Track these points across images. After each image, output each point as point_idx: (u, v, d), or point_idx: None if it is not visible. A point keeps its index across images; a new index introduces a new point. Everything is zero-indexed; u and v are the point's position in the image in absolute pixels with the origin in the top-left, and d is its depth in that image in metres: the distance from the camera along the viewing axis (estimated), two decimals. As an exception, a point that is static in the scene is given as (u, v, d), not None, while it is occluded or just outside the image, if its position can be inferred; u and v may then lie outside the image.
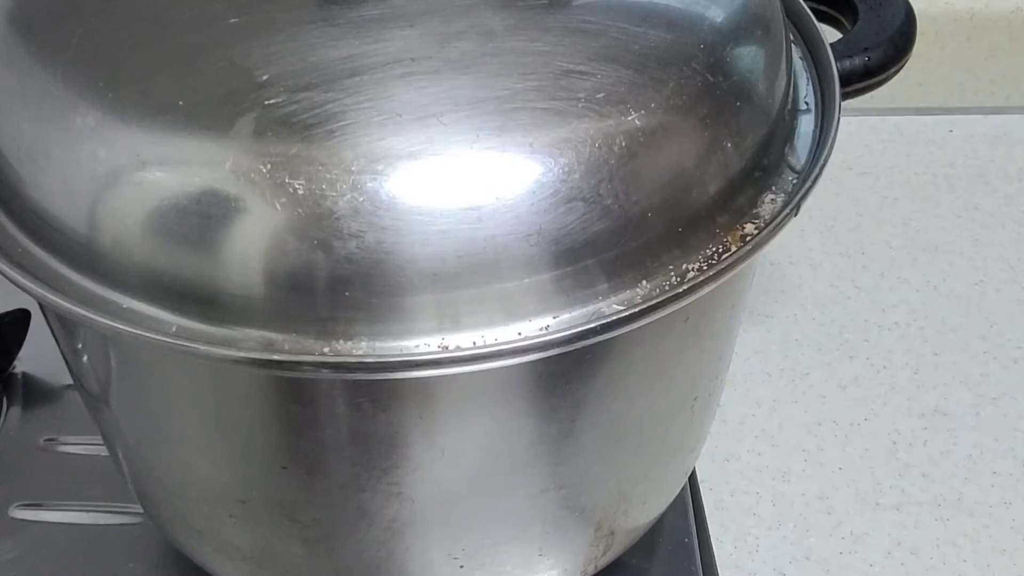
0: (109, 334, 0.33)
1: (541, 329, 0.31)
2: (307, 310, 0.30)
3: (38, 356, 0.59)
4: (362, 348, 0.30)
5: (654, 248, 0.32)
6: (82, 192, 0.32)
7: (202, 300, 0.31)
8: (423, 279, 0.30)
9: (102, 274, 0.32)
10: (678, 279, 0.33)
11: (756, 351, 0.62)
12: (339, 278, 0.30)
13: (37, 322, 0.58)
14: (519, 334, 0.31)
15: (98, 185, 0.31)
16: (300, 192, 0.30)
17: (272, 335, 0.31)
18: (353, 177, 0.30)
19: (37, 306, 0.43)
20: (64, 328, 0.37)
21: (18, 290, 0.32)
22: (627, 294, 0.32)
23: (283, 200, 0.30)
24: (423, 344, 0.31)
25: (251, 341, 0.31)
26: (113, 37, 0.33)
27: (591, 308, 0.32)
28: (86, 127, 0.31)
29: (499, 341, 0.31)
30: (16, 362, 0.59)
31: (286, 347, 0.31)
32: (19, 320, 0.57)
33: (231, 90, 0.31)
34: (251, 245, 0.30)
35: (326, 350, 0.30)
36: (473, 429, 0.34)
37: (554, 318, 0.31)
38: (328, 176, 0.30)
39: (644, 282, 0.32)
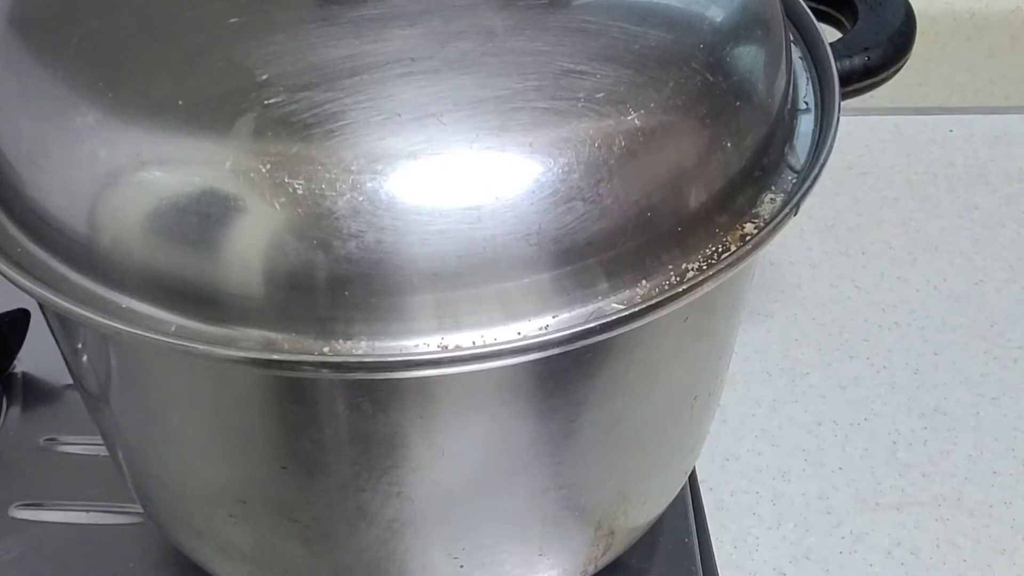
0: (109, 334, 0.33)
1: (541, 329, 0.31)
2: (307, 310, 0.30)
3: (38, 356, 0.59)
4: (362, 348, 0.30)
5: (654, 248, 0.32)
6: (82, 192, 0.32)
7: (202, 300, 0.31)
8: (423, 279, 0.30)
9: (102, 274, 0.32)
10: (678, 279, 0.32)
11: (756, 351, 0.62)
12: (339, 278, 0.30)
13: (37, 322, 0.58)
14: (519, 334, 0.31)
15: (98, 185, 0.31)
16: (300, 192, 0.30)
17: (272, 335, 0.31)
18: (353, 177, 0.30)
19: (37, 306, 0.43)
20: (64, 328, 0.37)
21: (18, 290, 0.32)
22: (627, 294, 0.32)
23: (283, 200, 0.30)
24: (423, 344, 0.31)
25: (251, 341, 0.31)
26: (113, 37, 0.33)
27: (591, 308, 0.32)
28: (86, 127, 0.31)
29: (499, 341, 0.31)
30: (16, 362, 0.59)
31: (286, 347, 0.31)
32: (19, 320, 0.57)
33: (231, 90, 0.31)
34: (251, 245, 0.30)
35: (326, 350, 0.30)
36: (473, 429, 0.34)
37: (554, 318, 0.31)
38: (328, 176, 0.30)
39: (644, 282, 0.32)
